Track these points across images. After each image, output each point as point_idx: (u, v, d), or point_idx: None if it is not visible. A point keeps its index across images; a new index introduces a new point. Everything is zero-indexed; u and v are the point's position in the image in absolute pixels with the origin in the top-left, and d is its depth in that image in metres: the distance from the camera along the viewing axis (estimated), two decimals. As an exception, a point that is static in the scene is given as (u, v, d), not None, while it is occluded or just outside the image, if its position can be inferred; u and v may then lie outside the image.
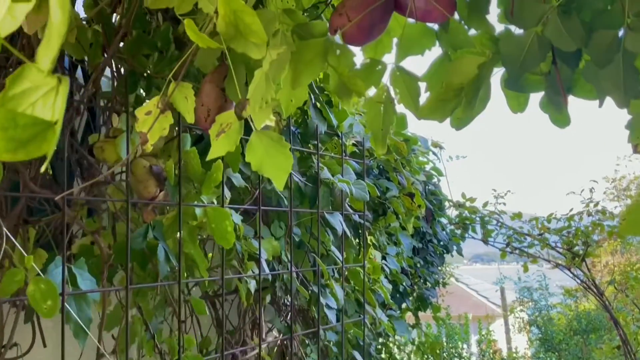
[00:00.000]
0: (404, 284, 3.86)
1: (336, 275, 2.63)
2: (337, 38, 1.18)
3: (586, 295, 8.40)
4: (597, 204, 6.49)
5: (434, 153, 4.88)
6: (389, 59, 1.31)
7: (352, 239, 2.93)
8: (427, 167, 4.67)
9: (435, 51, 1.31)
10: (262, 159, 1.14)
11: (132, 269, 1.65)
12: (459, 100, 1.13)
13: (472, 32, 1.32)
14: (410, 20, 1.25)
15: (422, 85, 1.23)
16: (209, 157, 1.14)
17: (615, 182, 10.87)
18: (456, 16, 1.25)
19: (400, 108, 1.25)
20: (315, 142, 2.33)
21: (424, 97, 1.22)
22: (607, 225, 6.17)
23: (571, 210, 6.40)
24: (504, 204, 6.57)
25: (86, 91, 1.40)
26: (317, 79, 2.27)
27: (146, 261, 1.61)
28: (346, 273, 2.71)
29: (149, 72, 1.68)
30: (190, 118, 1.15)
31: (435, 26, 1.29)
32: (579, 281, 6.62)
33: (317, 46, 1.11)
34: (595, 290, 6.58)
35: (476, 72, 1.08)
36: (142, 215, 1.59)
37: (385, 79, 1.19)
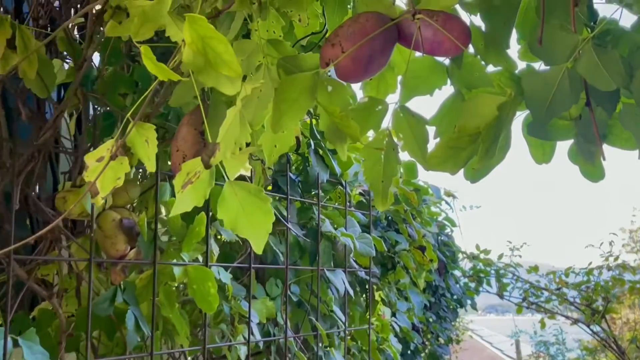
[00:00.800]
0: (415, 341, 3.62)
1: (341, 334, 2.40)
2: (333, 74, 1.00)
3: (605, 352, 8.05)
4: (617, 257, 6.23)
5: (446, 202, 4.68)
6: (393, 98, 1.12)
7: (359, 294, 2.71)
8: (440, 218, 4.47)
9: (446, 90, 1.12)
10: (236, 216, 0.95)
11: (99, 338, 1.44)
12: (474, 147, 0.93)
13: (489, 68, 1.14)
14: (417, 53, 1.07)
15: (431, 130, 1.03)
16: (172, 213, 0.95)
17: (632, 234, 10.56)
18: (470, 49, 1.07)
19: (406, 155, 1.06)
20: (317, 192, 2.13)
21: (432, 143, 1.02)
22: (628, 280, 5.89)
23: (590, 264, 6.15)
24: (520, 256, 6.32)
25: (43, 134, 1.22)
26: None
27: (114, 329, 1.41)
28: (352, 332, 2.48)
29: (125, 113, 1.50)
30: (150, 166, 0.96)
31: (446, 60, 1.10)
32: (598, 338, 6.32)
33: (304, 82, 0.92)
34: (615, 348, 6.28)
35: (495, 115, 0.88)
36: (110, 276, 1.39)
37: (387, 122, 1.00)
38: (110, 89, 1.48)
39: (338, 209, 2.34)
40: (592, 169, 1.20)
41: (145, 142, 0.95)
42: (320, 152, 2.16)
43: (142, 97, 0.96)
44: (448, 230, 4.78)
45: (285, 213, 1.97)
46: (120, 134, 0.95)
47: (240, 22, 1.12)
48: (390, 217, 3.05)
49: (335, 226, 2.24)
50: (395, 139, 0.99)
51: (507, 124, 0.92)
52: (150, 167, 0.96)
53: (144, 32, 0.91)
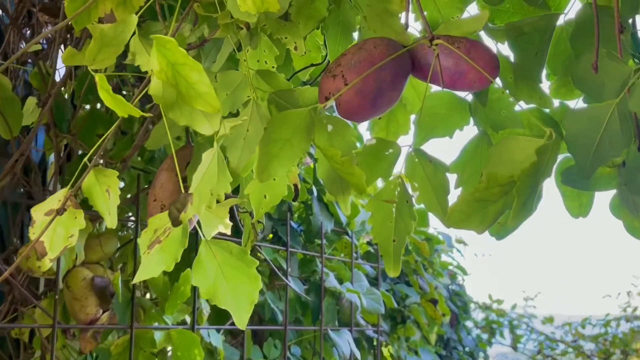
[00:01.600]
0: (426, 399, 3.38)
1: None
2: (334, 110, 0.83)
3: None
4: (635, 308, 5.98)
5: (457, 250, 4.49)
6: (405, 140, 0.96)
7: (366, 351, 2.51)
8: (451, 266, 4.27)
9: (468, 131, 0.95)
10: (215, 282, 0.77)
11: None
12: (506, 200, 0.76)
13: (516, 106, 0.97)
14: (434, 87, 0.90)
15: (452, 178, 0.86)
16: (135, 279, 0.77)
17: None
18: (496, 83, 0.90)
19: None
20: (321, 242, 1.95)
21: (454, 194, 0.85)
22: (648, 333, 5.63)
23: (607, 315, 5.90)
24: (534, 306, 6.09)
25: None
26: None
27: (82, 405, 1.22)
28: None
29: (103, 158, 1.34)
30: (111, 221, 0.79)
31: (469, 96, 0.93)
32: (617, 394, 6.02)
33: (299, 119, 0.75)
34: (636, 404, 5.98)
35: (534, 161, 0.71)
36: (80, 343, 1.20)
37: (399, 169, 0.83)
38: (86, 130, 1.32)
39: (344, 262, 2.16)
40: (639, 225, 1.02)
41: (105, 191, 0.78)
42: (324, 199, 1.99)
43: (105, 136, 0.80)
44: (459, 279, 4.58)
45: (285, 266, 1.79)
46: (75, 181, 0.79)
47: (227, 52, 0.96)
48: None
49: (341, 280, 2.05)
50: (410, 189, 0.82)
51: (547, 172, 0.75)
52: (111, 222, 0.79)
53: (102, 59, 0.75)
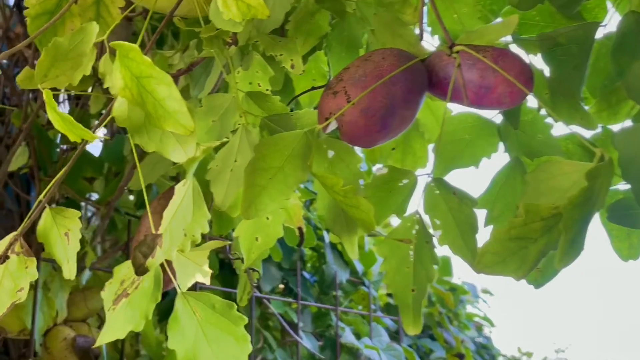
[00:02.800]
0: None
1: None
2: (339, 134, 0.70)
3: None
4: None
5: (483, 301, 4.29)
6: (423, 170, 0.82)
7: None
8: (477, 318, 4.06)
9: (496, 158, 0.81)
10: (195, 345, 0.63)
11: None
12: (550, 238, 0.61)
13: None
14: (457, 108, 0.77)
15: (480, 214, 0.72)
16: (98, 342, 0.63)
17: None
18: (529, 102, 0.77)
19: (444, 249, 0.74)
20: (335, 294, 1.80)
21: (482, 234, 0.70)
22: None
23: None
24: (566, 359, 5.81)
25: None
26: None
27: None
28: None
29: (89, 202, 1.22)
30: (68, 271, 0.65)
31: (497, 117, 0.80)
32: None
33: (291, 144, 0.62)
34: None
35: (584, 187, 0.57)
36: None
37: (417, 203, 0.69)
38: (72, 173, 1.20)
39: (361, 315, 2.00)
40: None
41: (63, 235, 0.65)
42: (339, 246, 1.84)
43: (60, 174, 0.67)
44: (486, 330, 4.36)
45: (296, 320, 1.64)
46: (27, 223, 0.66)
47: (217, 75, 0.83)
48: (423, 322, 2.68)
49: (358, 335, 1.89)
50: (430, 228, 0.68)
51: (599, 201, 0.61)
52: (68, 272, 0.65)
53: (56, 76, 0.63)
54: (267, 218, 0.72)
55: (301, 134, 0.63)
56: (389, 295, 2.42)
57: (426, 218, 0.68)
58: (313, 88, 0.89)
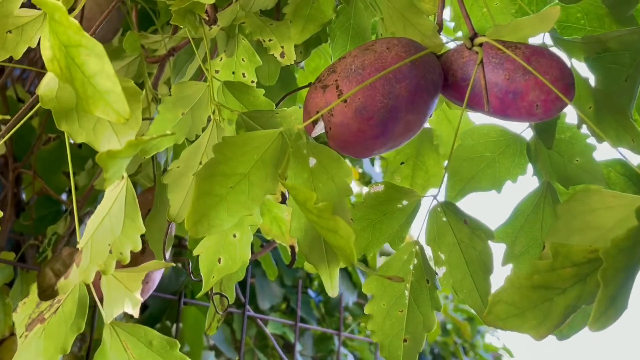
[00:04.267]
0: None
1: None
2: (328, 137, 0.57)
3: None
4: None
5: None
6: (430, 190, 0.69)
7: None
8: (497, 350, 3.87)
9: (522, 181, 0.67)
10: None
11: None
12: (583, 289, 0.47)
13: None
14: (479, 117, 0.63)
15: (497, 249, 0.58)
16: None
17: None
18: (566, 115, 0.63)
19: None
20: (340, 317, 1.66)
21: (498, 272, 0.56)
22: None
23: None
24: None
25: None
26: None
27: None
28: None
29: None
30: None
31: (526, 131, 0.66)
32: None
33: (262, 146, 0.49)
34: None
35: (633, 227, 0.43)
36: None
37: (418, 230, 0.55)
38: (51, 166, 1.09)
39: (368, 342, 1.85)
40: None
41: None
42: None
43: None
44: (505, 361, 4.17)
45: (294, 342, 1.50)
46: None
47: (198, 62, 0.71)
48: (437, 351, 2.52)
49: (363, 363, 1.75)
50: (432, 262, 0.54)
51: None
52: None
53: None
54: (234, 235, 0.58)
55: (276, 134, 0.50)
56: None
57: (428, 250, 0.55)
58: (310, 84, 0.76)
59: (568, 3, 0.63)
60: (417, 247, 0.54)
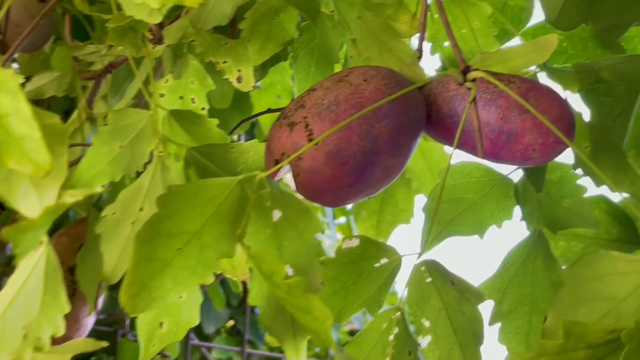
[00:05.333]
0: None
1: None
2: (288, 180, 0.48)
3: None
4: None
5: None
6: (401, 238, 0.62)
7: None
8: None
9: (509, 227, 0.60)
10: None
11: None
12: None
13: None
14: (457, 153, 0.56)
15: (485, 308, 0.51)
16: None
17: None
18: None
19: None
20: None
21: (490, 332, 0.49)
22: None
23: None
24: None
25: None
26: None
27: None
28: None
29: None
30: None
31: (515, 173, 0.59)
32: None
33: (217, 199, 0.40)
34: None
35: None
36: None
37: (401, 289, 0.47)
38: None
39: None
40: None
41: None
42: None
43: None
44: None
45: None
46: None
47: (140, 82, 0.61)
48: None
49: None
50: (413, 331, 0.46)
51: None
52: None
53: None
54: (180, 296, 0.50)
55: (233, 183, 0.42)
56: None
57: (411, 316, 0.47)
58: (270, 110, 0.67)
59: (562, 29, 0.56)
60: (398, 313, 0.46)
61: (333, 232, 1.60)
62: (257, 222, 0.44)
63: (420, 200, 0.71)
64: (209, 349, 1.32)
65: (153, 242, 0.39)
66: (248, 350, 1.34)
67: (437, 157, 0.65)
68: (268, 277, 0.38)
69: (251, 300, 0.44)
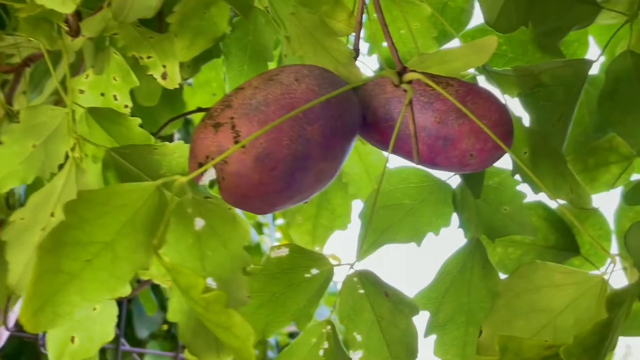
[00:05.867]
0: None
1: None
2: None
3: None
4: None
5: None
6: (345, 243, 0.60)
7: None
8: None
9: (447, 234, 0.59)
10: None
11: None
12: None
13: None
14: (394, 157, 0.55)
15: (421, 320, 0.49)
16: None
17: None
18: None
19: None
20: None
21: (421, 346, 0.47)
22: None
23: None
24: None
25: None
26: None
27: None
28: None
29: None
30: None
31: (454, 178, 0.57)
32: None
33: (132, 205, 0.37)
34: None
35: (602, 320, 0.35)
36: None
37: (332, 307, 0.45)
38: None
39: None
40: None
41: None
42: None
43: None
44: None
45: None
46: None
47: (55, 80, 0.57)
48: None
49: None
50: (346, 347, 0.44)
51: (616, 338, 0.38)
52: None
53: None
54: (94, 308, 0.46)
55: (151, 189, 0.38)
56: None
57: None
58: (199, 109, 0.64)
59: (501, 31, 0.54)
60: (329, 327, 0.44)
61: (272, 231, 1.57)
62: (178, 230, 0.41)
63: (358, 206, 0.69)
64: (141, 354, 1.27)
65: (58, 253, 0.36)
66: (182, 355, 1.30)
67: (374, 161, 0.63)
68: (185, 291, 0.35)
69: (170, 315, 0.41)
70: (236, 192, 0.42)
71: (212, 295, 0.33)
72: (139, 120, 0.51)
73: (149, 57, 0.52)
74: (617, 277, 0.43)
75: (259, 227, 1.66)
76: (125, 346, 1.13)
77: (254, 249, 1.56)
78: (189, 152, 0.44)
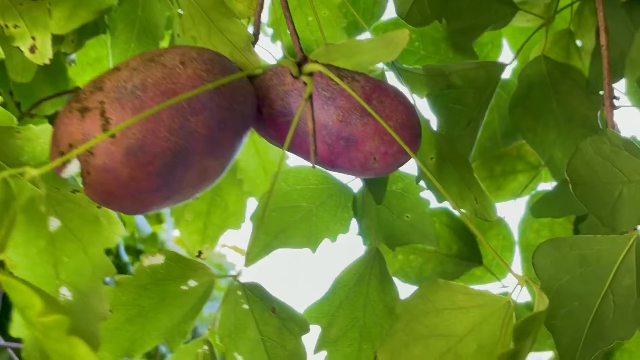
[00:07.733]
0: None
1: None
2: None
3: None
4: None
5: None
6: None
7: None
8: None
9: (344, 240, 0.54)
10: None
11: None
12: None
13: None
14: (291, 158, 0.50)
15: (312, 335, 0.44)
16: None
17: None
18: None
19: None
20: None
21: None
22: None
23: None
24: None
25: None
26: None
27: None
28: None
29: None
30: None
31: (355, 182, 0.53)
32: None
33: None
34: None
35: (508, 351, 0.31)
36: None
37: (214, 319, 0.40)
38: None
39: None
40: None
41: None
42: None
43: None
44: None
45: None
46: None
47: None
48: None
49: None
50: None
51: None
52: None
53: None
54: None
55: (-5, 182, 0.32)
56: None
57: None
58: (78, 89, 0.57)
59: (413, 25, 0.51)
60: (206, 347, 0.38)
61: (170, 225, 1.50)
62: (28, 231, 0.35)
63: (254, 204, 0.64)
64: (16, 350, 1.18)
65: None
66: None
67: (273, 157, 0.58)
68: (20, 310, 0.28)
69: (14, 330, 0.34)
70: (102, 189, 0.36)
71: (51, 320, 0.27)
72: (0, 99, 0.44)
73: (16, 27, 0.45)
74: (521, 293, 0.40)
75: (157, 217, 1.58)
76: (0, 341, 1.03)
77: (149, 240, 1.48)
78: (51, 138, 0.37)
